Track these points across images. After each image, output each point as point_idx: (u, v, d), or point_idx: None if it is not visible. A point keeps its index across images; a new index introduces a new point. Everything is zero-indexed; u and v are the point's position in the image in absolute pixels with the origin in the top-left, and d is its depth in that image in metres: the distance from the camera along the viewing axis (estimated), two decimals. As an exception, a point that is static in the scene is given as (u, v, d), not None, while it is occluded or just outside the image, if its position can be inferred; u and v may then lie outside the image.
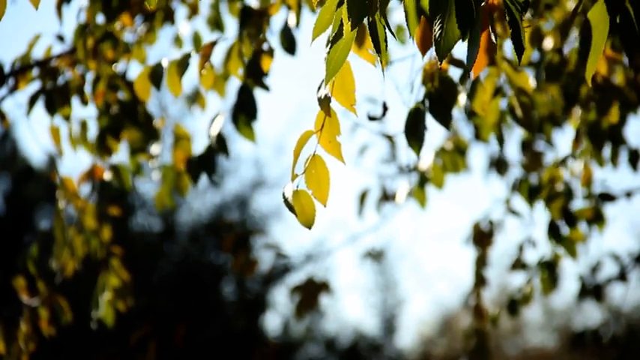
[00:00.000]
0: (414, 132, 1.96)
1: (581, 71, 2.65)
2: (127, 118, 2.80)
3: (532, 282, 3.76)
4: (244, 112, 2.46)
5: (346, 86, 1.57)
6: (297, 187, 1.56)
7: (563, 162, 3.09)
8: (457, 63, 2.09)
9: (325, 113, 1.57)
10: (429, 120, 2.00)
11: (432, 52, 2.03)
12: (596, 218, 3.09)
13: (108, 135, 2.84)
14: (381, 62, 1.47)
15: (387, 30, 1.45)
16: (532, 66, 2.92)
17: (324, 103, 1.57)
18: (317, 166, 1.56)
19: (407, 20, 1.46)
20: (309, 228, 1.55)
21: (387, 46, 1.46)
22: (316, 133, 1.58)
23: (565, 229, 3.10)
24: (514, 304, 3.84)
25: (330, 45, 1.46)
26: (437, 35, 1.37)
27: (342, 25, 1.44)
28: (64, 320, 3.07)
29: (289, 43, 2.55)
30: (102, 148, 2.87)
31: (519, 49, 1.39)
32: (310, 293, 3.63)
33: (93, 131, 2.95)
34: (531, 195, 3.23)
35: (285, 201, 1.54)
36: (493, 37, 1.60)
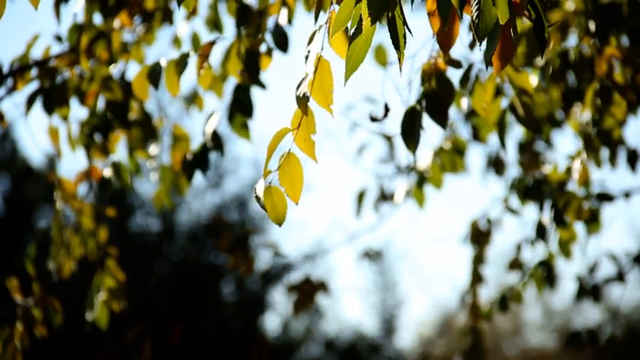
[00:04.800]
0: (410, 132, 1.96)
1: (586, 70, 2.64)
2: (117, 120, 2.80)
3: (525, 280, 3.76)
4: (240, 110, 2.45)
5: (325, 86, 1.57)
6: (270, 183, 1.56)
7: (569, 169, 3.06)
8: (456, 64, 2.08)
9: (302, 112, 1.57)
10: (427, 120, 2.00)
11: (432, 50, 2.02)
12: (592, 219, 3.08)
13: (97, 135, 2.84)
14: (399, 59, 1.48)
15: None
16: (533, 66, 2.91)
17: (302, 102, 1.57)
18: (291, 163, 1.57)
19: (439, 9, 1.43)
20: (280, 224, 1.56)
21: (405, 42, 1.47)
22: (292, 132, 1.58)
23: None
24: (505, 300, 3.85)
25: (349, 41, 1.47)
26: (474, 17, 1.38)
27: (361, 21, 1.45)
28: (55, 322, 3.04)
29: (281, 40, 2.54)
30: (93, 148, 2.87)
31: (542, 44, 1.39)
32: (307, 292, 3.64)
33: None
34: (528, 193, 3.21)
35: (256, 197, 1.54)
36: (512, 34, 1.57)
